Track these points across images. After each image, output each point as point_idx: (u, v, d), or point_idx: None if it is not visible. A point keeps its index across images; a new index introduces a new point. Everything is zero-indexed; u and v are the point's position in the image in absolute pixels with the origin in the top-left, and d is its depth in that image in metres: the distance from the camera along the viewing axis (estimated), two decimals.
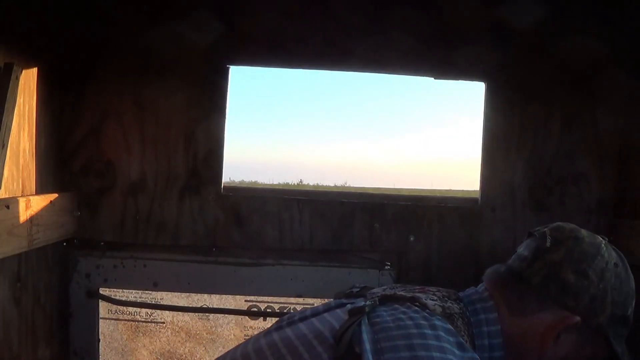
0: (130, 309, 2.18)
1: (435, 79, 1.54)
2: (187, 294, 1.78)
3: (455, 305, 0.86)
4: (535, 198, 1.52)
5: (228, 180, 1.59)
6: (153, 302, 1.87)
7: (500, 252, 1.51)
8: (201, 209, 1.50)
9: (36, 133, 1.33)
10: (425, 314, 0.79)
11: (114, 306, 1.89)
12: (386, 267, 1.52)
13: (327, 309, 0.93)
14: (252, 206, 1.52)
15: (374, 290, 0.98)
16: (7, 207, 1.12)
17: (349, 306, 0.88)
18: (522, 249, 0.95)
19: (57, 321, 1.46)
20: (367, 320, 0.78)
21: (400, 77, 1.59)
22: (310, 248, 1.52)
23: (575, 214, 1.51)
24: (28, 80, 1.29)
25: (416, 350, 0.70)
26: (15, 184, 1.23)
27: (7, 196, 1.17)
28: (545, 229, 0.95)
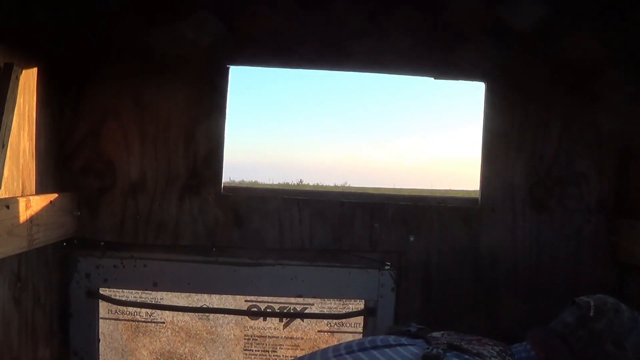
0: (130, 309, 2.18)
1: (435, 79, 1.55)
2: (187, 294, 1.78)
3: None
4: (535, 198, 1.52)
5: (228, 180, 1.59)
6: (153, 302, 1.87)
7: (500, 252, 1.51)
8: (201, 209, 1.50)
9: (36, 133, 1.33)
10: None
11: (114, 306, 1.89)
12: (386, 267, 1.52)
13: (386, 344, 0.99)
14: (252, 206, 1.52)
15: (434, 334, 1.05)
16: (7, 207, 1.12)
17: (411, 348, 0.95)
18: (566, 315, 1.04)
19: (57, 321, 1.46)
20: None
21: (400, 77, 1.60)
22: (310, 248, 1.52)
23: (575, 214, 1.51)
24: (28, 80, 1.29)
25: None
26: (15, 184, 1.23)
27: (7, 196, 1.17)
28: (590, 299, 1.03)
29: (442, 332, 1.06)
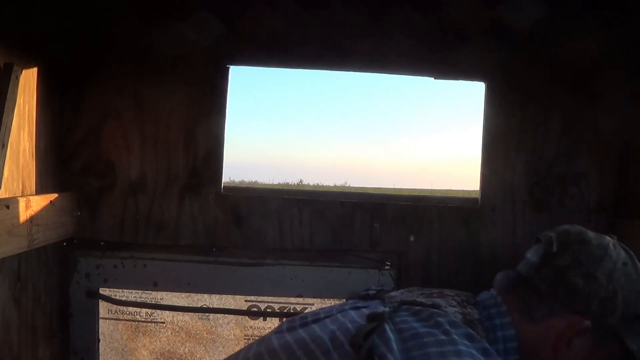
0: (130, 309, 2.18)
1: (435, 79, 1.54)
2: (187, 294, 1.78)
3: (475, 311, 0.86)
4: (535, 198, 1.52)
5: (228, 180, 1.59)
6: (153, 302, 1.86)
7: (500, 252, 1.51)
8: (201, 209, 1.50)
9: (36, 133, 1.33)
10: (451, 320, 0.78)
11: (114, 306, 1.89)
12: (386, 267, 1.52)
13: (341, 310, 0.90)
14: (252, 206, 1.52)
15: (392, 294, 0.97)
16: (7, 207, 1.12)
17: (364, 310, 0.86)
18: (530, 255, 0.95)
19: (57, 321, 1.46)
20: (392, 327, 0.77)
21: (400, 78, 1.60)
22: (310, 248, 1.52)
23: (575, 214, 1.51)
24: (28, 80, 1.29)
25: (448, 357, 0.70)
26: (15, 184, 1.23)
27: (7, 196, 1.17)
28: (552, 234, 0.95)
29: (403, 289, 1.00)
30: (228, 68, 1.50)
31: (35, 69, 1.31)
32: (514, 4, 1.41)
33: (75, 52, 1.47)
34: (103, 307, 1.66)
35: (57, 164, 1.46)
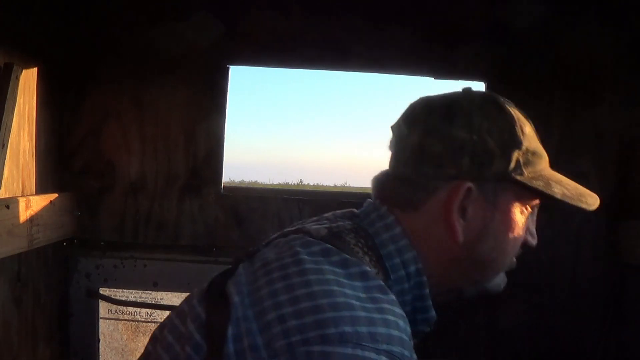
0: (130, 309, 2.18)
1: (435, 79, 1.54)
2: (187, 293, 1.78)
3: (348, 222, 0.74)
4: None
5: (228, 180, 1.59)
6: (153, 302, 1.87)
7: None
8: (201, 209, 1.50)
9: (36, 133, 1.33)
10: (308, 240, 0.68)
11: (114, 306, 1.89)
12: None
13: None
14: (252, 206, 1.52)
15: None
16: (7, 207, 1.12)
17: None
18: (390, 147, 0.83)
19: (57, 321, 1.46)
20: (248, 265, 0.70)
21: (400, 77, 1.60)
22: None
23: (576, 214, 1.51)
24: (28, 80, 1.29)
25: (291, 278, 0.61)
26: (15, 184, 1.23)
27: (7, 196, 1.17)
28: (398, 119, 0.82)
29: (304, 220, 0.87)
30: (228, 68, 1.50)
31: (35, 69, 1.31)
32: (514, 4, 1.41)
33: (75, 52, 1.47)
34: (103, 307, 1.66)
35: (57, 164, 1.46)
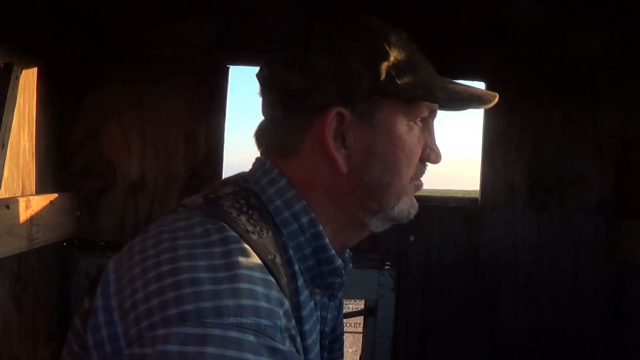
0: None
1: None
2: None
3: (230, 188, 0.69)
4: (535, 198, 1.52)
5: None
6: None
7: (500, 252, 1.51)
8: None
9: (36, 133, 1.33)
10: (178, 216, 0.64)
11: None
12: (386, 267, 1.52)
13: None
14: None
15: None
16: (7, 207, 1.12)
17: None
18: (260, 95, 0.77)
19: (57, 321, 1.46)
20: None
21: None
22: None
23: (575, 214, 1.51)
24: (28, 80, 1.29)
25: (146, 261, 0.57)
26: (15, 184, 1.23)
27: (7, 196, 1.17)
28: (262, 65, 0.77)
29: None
30: (228, 68, 1.50)
31: (35, 69, 1.31)
32: (514, 4, 1.41)
33: (75, 52, 1.47)
34: None
35: (57, 164, 1.46)
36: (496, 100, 0.79)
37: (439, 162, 0.75)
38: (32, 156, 1.32)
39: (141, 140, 1.50)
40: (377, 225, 0.74)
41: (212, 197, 0.66)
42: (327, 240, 0.68)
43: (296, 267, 0.67)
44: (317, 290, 0.71)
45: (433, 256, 1.52)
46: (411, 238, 1.52)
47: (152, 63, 1.48)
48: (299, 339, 0.59)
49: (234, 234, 0.59)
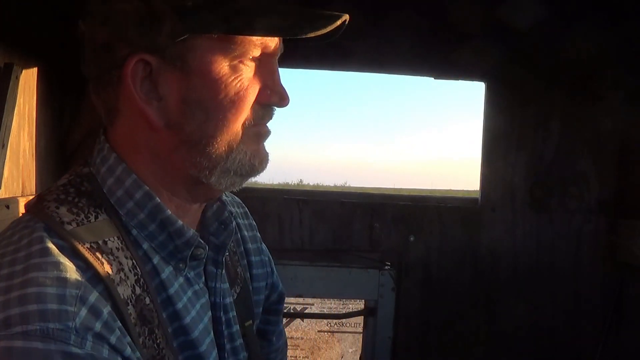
0: None
1: (435, 79, 1.55)
2: None
3: (65, 178, 0.65)
4: (535, 198, 1.52)
5: None
6: None
7: (500, 252, 1.51)
8: None
9: (36, 133, 1.33)
10: (13, 223, 0.60)
11: None
12: (386, 267, 1.52)
13: None
14: (252, 206, 1.51)
15: None
16: (7, 207, 1.12)
17: None
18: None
19: None
20: None
21: (400, 77, 1.60)
22: (310, 248, 1.52)
23: (575, 214, 1.51)
24: (28, 80, 1.29)
25: None
26: (15, 184, 1.23)
27: (7, 196, 1.17)
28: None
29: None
30: None
31: (35, 69, 1.31)
32: (514, 4, 1.41)
33: (75, 52, 1.47)
34: None
35: (57, 164, 1.46)
36: (333, 24, 0.66)
37: (285, 104, 0.66)
38: (32, 156, 1.32)
39: None
40: (219, 183, 0.63)
41: (42, 195, 0.62)
42: (168, 212, 0.62)
43: (145, 246, 0.61)
44: (180, 265, 0.63)
45: (433, 256, 1.53)
46: (411, 238, 1.52)
47: None
48: (125, 333, 0.54)
49: (41, 234, 0.55)
